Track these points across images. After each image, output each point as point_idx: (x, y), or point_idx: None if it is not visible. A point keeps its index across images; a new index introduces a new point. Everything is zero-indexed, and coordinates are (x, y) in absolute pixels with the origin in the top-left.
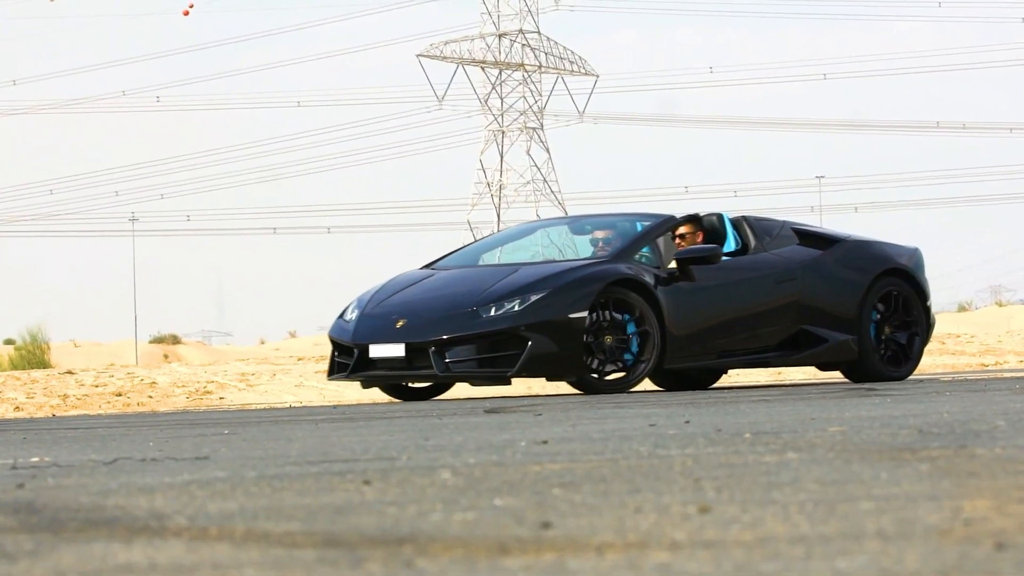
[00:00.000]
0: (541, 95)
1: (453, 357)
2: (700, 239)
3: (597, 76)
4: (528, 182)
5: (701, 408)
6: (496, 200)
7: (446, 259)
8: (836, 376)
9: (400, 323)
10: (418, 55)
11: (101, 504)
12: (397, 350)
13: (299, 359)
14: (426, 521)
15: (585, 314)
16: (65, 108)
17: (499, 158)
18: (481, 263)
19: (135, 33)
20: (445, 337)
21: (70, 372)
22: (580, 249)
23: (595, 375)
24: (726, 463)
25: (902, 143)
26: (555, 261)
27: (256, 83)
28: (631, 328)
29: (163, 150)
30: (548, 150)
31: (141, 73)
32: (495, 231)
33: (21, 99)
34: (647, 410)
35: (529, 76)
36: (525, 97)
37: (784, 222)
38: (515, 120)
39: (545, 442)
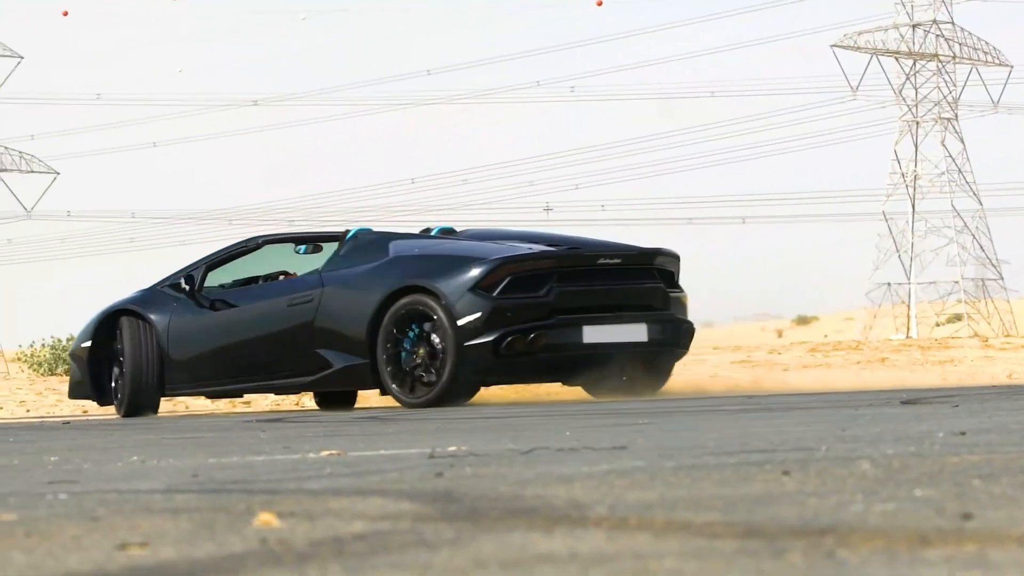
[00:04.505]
0: (955, 85)
1: None
2: None
3: (1011, 67)
4: (943, 173)
5: None
6: (911, 191)
7: None
8: None
9: None
10: (832, 45)
11: (519, 494)
12: None
13: (714, 348)
14: (846, 512)
15: (88, 344)
16: (480, 98)
17: (913, 149)
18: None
19: (550, 23)
20: None
21: None
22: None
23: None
24: None
25: None
26: None
27: (669, 72)
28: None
29: (577, 140)
30: (963, 141)
31: (555, 63)
32: (909, 222)
33: (436, 89)
34: None
35: (943, 67)
36: (939, 88)
37: (431, 239)
38: (929, 111)
39: (963, 433)
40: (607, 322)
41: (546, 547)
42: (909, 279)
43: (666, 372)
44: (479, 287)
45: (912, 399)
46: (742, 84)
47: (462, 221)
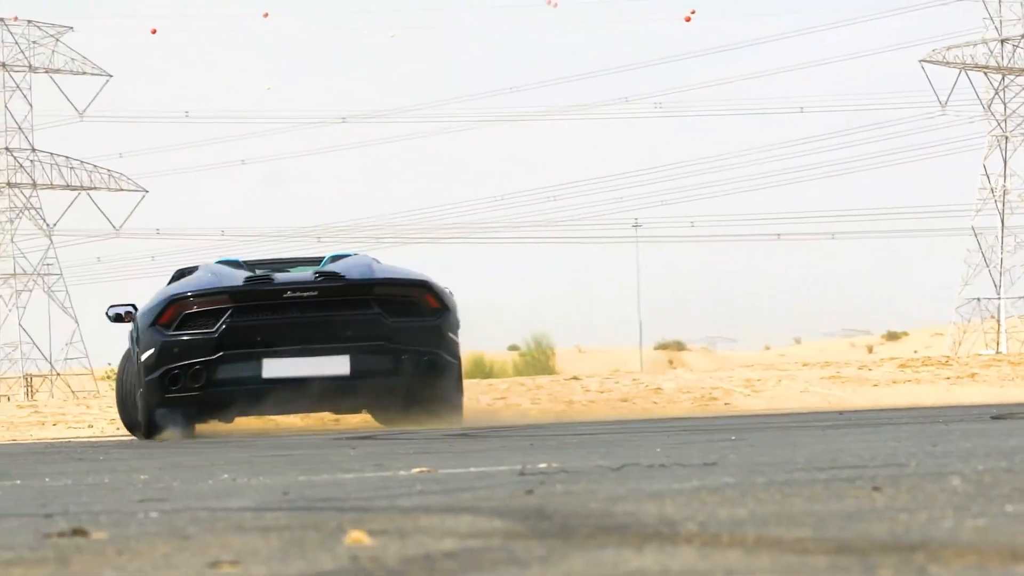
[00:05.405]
0: None
1: None
2: None
3: None
4: None
5: None
6: (1000, 206)
7: None
8: None
9: None
10: (921, 61)
11: (610, 510)
12: None
13: (804, 365)
14: (937, 528)
15: None
16: (565, 114)
17: (1002, 163)
18: None
19: (636, 39)
20: None
21: (575, 378)
22: None
23: None
24: None
25: None
26: None
27: (758, 88)
28: None
29: (664, 156)
30: None
31: (642, 79)
32: (999, 237)
33: (521, 105)
34: None
35: None
36: None
37: (223, 270)
38: (1018, 125)
39: None
40: (292, 355)
41: (637, 564)
42: (999, 294)
43: (433, 402)
44: (157, 324)
45: (1003, 414)
46: (830, 99)
47: (547, 238)
